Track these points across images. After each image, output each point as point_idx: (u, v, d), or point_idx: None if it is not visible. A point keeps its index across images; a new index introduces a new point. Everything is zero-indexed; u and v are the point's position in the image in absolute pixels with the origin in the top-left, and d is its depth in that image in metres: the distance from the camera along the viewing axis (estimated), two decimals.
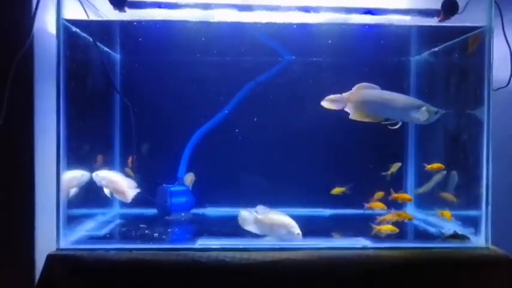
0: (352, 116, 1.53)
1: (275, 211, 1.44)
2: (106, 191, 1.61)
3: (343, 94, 1.54)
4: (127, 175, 1.76)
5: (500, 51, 1.50)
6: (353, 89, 1.53)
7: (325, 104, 1.54)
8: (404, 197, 1.72)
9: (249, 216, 1.45)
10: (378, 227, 1.53)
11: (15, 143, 1.36)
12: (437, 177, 1.70)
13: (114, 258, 1.29)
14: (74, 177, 1.48)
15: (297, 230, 1.39)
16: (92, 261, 1.29)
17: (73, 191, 1.47)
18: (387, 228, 1.52)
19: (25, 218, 1.37)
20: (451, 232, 1.52)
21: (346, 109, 1.54)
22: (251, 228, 1.44)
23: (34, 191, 1.37)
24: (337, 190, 1.77)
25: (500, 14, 1.48)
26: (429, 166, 1.67)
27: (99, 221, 1.73)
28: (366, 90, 1.52)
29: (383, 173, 1.78)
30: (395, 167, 1.78)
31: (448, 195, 1.65)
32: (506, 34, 1.50)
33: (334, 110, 1.54)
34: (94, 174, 1.59)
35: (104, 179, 1.60)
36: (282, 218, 1.42)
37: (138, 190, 1.64)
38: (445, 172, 1.66)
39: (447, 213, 1.58)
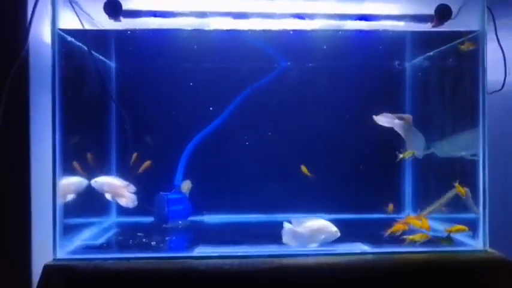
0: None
1: (308, 219, 1.46)
2: (107, 196, 1.61)
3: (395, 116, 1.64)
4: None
5: (495, 54, 1.52)
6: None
7: (377, 119, 1.64)
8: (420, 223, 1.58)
9: (288, 231, 1.45)
10: (410, 237, 1.49)
11: (11, 152, 1.36)
12: (449, 195, 1.65)
13: (111, 268, 1.28)
14: (72, 183, 1.47)
15: (334, 228, 1.42)
16: (89, 271, 1.28)
17: (70, 197, 1.47)
18: (421, 237, 1.48)
19: (21, 228, 1.36)
20: (445, 235, 1.52)
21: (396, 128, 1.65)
22: (292, 242, 1.45)
23: (30, 201, 1.36)
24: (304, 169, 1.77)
25: (493, 19, 1.50)
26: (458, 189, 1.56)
27: (96, 230, 1.72)
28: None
29: (397, 153, 1.71)
30: (408, 154, 1.70)
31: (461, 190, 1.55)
32: (499, 38, 1.52)
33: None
34: (93, 182, 1.59)
35: (104, 185, 1.60)
36: (317, 223, 1.44)
37: (135, 193, 1.65)
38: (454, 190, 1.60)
39: (462, 190, 1.50)
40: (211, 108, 1.90)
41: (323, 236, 1.42)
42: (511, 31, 1.47)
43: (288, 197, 1.90)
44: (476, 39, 1.47)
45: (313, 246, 1.42)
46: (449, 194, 1.63)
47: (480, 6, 1.46)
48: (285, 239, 1.44)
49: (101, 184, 1.60)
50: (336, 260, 1.34)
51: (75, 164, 1.53)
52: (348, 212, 1.87)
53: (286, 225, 1.44)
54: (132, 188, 1.64)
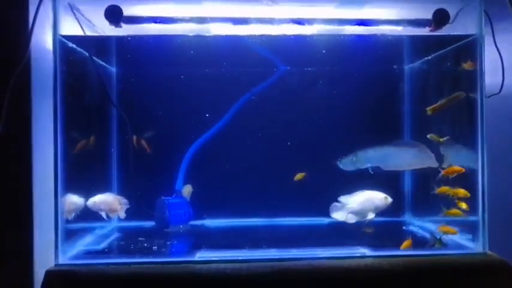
0: None
1: (354, 194, 1.52)
2: (103, 214, 1.65)
3: None
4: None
5: (492, 57, 1.53)
6: None
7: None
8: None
9: (338, 207, 1.50)
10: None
11: (13, 159, 1.36)
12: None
13: (113, 273, 1.29)
14: (69, 203, 1.48)
15: (382, 195, 1.49)
16: (91, 276, 1.28)
17: (70, 215, 1.49)
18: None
19: (23, 233, 1.36)
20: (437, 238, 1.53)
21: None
22: (345, 218, 1.49)
23: (32, 206, 1.37)
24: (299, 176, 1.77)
25: (490, 23, 1.51)
26: (445, 171, 1.58)
27: (97, 235, 1.72)
28: None
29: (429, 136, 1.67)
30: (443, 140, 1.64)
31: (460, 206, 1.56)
32: (496, 42, 1.53)
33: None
34: (89, 202, 1.61)
35: (101, 204, 1.64)
36: (365, 195, 1.50)
37: (128, 205, 1.70)
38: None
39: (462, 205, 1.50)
40: (207, 115, 1.91)
41: (374, 206, 1.44)
42: (508, 35, 1.48)
43: (288, 201, 1.90)
44: (474, 43, 1.49)
45: (369, 217, 1.42)
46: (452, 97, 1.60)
47: (477, 11, 1.47)
48: (336, 215, 1.45)
49: (98, 204, 1.63)
50: (337, 263, 1.35)
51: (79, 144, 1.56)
52: None
53: (335, 204, 1.46)
54: (124, 200, 1.70)
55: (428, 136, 1.66)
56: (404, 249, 1.45)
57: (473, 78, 1.49)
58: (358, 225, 1.68)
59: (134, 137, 1.83)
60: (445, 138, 1.62)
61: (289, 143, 1.94)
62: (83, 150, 1.59)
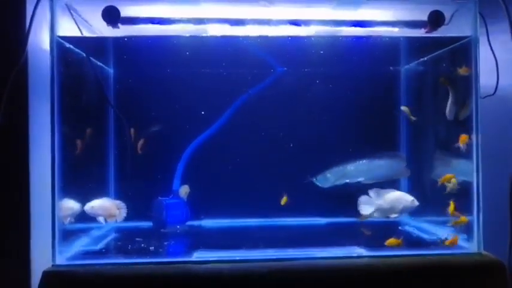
0: None
1: (385, 190, 1.55)
2: (101, 219, 1.65)
3: None
4: None
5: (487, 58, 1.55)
6: None
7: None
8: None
9: (366, 200, 1.54)
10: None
11: (10, 159, 1.36)
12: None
13: (110, 274, 1.29)
14: (65, 208, 1.48)
15: (410, 198, 1.52)
16: (88, 277, 1.28)
17: (67, 220, 1.49)
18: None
19: (20, 234, 1.36)
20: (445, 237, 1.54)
21: None
22: (371, 212, 1.53)
23: (29, 207, 1.37)
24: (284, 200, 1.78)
25: (485, 24, 1.53)
26: (442, 179, 1.60)
27: (94, 235, 1.72)
28: None
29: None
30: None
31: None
32: (491, 43, 1.55)
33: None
34: (89, 208, 1.61)
35: (99, 209, 1.64)
36: (395, 194, 1.53)
37: (126, 210, 1.70)
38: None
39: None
40: (202, 112, 1.91)
41: (401, 206, 1.46)
42: (503, 36, 1.49)
43: (287, 201, 1.91)
44: (469, 44, 1.50)
45: (393, 216, 1.49)
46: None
47: (472, 12, 1.49)
48: (363, 209, 1.47)
49: (95, 209, 1.63)
50: (334, 263, 1.36)
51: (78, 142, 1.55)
52: (344, 216, 1.88)
53: (364, 197, 1.48)
54: (121, 204, 1.70)
55: (402, 107, 1.77)
56: (389, 245, 1.49)
57: (468, 79, 1.50)
58: (354, 225, 1.70)
59: (132, 130, 1.82)
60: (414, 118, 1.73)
61: (268, 139, 1.94)
62: (80, 152, 1.59)
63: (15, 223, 1.37)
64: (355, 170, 1.73)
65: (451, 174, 1.56)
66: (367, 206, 1.53)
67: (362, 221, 1.64)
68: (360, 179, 1.72)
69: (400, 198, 1.52)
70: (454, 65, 1.61)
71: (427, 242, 1.63)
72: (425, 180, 1.80)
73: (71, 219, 1.51)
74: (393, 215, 1.49)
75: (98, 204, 1.64)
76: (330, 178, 1.74)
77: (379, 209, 1.52)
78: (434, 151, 1.77)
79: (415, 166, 1.86)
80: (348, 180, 1.72)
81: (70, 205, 1.52)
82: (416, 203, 1.50)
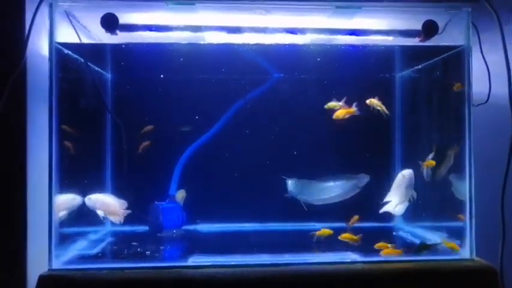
0: None
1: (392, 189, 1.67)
2: (99, 213, 1.63)
3: None
4: None
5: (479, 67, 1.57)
6: None
7: None
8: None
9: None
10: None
11: (7, 163, 1.37)
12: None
13: (106, 278, 1.30)
14: (65, 200, 1.48)
15: (407, 171, 1.65)
16: (85, 281, 1.29)
17: (62, 213, 1.48)
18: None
19: (17, 238, 1.37)
20: (419, 243, 1.57)
21: None
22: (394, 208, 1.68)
23: (26, 211, 1.37)
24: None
25: (478, 34, 1.56)
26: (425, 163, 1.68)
27: (90, 240, 1.73)
28: None
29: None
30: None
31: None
32: (483, 52, 1.57)
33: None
34: (87, 199, 1.61)
35: (97, 202, 1.62)
36: (398, 183, 1.66)
37: (129, 211, 1.66)
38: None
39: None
40: (196, 117, 1.92)
41: (411, 189, 1.63)
42: (495, 45, 1.52)
43: (281, 206, 1.92)
44: (462, 53, 1.53)
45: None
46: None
47: (465, 22, 1.51)
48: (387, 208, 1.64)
49: (94, 202, 1.61)
50: (328, 268, 1.37)
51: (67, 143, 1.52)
52: (338, 221, 1.89)
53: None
54: (124, 204, 1.66)
55: (371, 99, 1.77)
56: (379, 247, 1.52)
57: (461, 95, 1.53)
58: (346, 230, 1.72)
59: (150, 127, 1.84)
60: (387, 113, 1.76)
61: (264, 144, 1.96)
62: (77, 156, 1.60)
63: (11, 227, 1.38)
64: (309, 190, 1.77)
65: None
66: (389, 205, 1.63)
67: (352, 226, 1.69)
68: (311, 200, 1.76)
69: (404, 183, 1.62)
70: (448, 73, 1.63)
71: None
72: (419, 186, 1.82)
73: (67, 213, 1.50)
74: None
75: (98, 198, 1.62)
76: (296, 187, 1.77)
77: (399, 204, 1.65)
78: (427, 157, 1.79)
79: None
80: (302, 198, 1.75)
81: (67, 198, 1.51)
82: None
